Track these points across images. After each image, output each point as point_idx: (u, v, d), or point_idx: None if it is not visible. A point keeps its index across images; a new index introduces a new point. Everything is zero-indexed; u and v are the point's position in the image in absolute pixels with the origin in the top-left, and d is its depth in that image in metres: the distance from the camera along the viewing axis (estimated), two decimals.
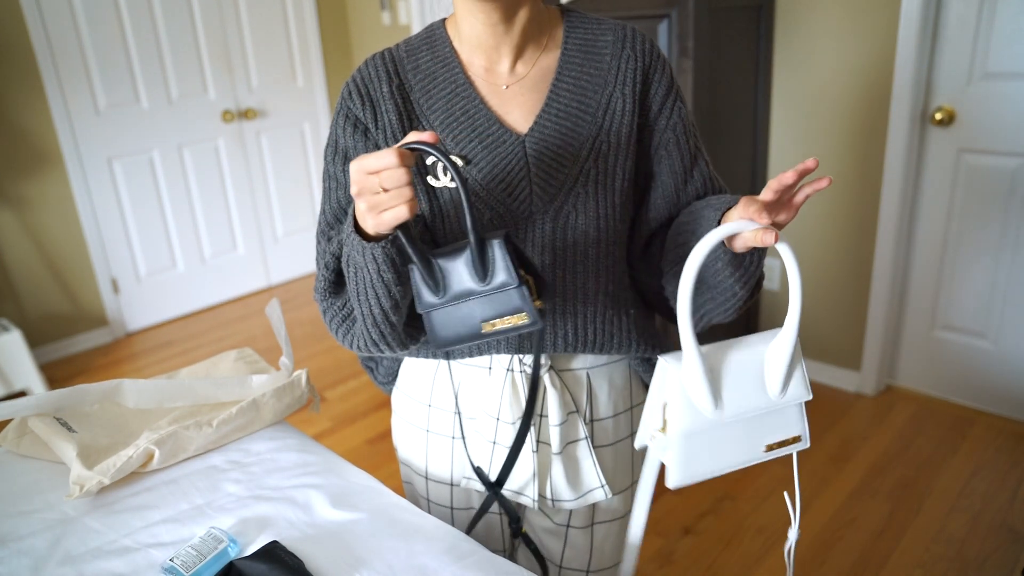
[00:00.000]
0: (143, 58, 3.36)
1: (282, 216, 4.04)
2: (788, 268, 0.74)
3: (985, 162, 2.30)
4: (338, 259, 0.87)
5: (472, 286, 0.76)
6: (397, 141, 0.89)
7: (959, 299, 2.47)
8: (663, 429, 0.77)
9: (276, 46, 3.83)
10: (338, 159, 0.92)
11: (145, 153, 3.45)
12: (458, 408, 0.99)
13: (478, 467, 0.98)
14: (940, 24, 2.27)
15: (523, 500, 0.97)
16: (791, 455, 0.81)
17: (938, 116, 2.33)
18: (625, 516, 1.06)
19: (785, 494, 0.84)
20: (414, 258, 0.76)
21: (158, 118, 3.46)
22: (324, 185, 0.94)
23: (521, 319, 0.76)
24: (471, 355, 0.94)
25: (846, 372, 2.71)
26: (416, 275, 0.78)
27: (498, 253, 0.75)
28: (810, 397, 0.78)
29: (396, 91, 0.90)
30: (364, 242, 0.76)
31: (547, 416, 0.94)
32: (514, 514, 0.98)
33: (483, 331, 0.78)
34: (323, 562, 0.86)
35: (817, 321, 2.75)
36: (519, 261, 0.78)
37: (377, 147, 0.90)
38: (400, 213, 0.71)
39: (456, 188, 0.87)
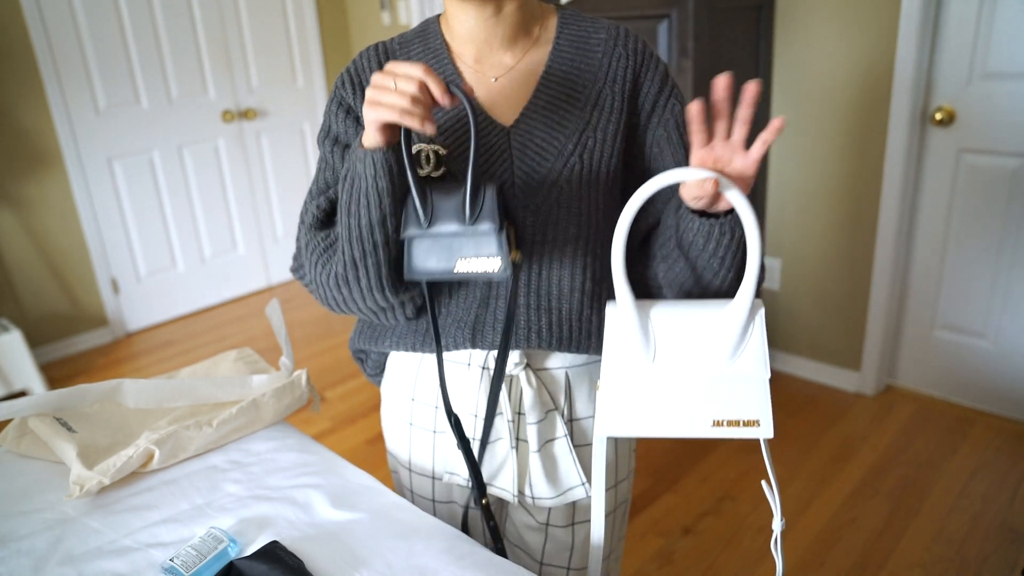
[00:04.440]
0: (143, 58, 3.36)
1: (282, 216, 4.04)
2: (743, 217, 0.69)
3: (985, 162, 2.30)
4: (332, 201, 0.90)
5: (457, 224, 0.79)
6: None
7: (959, 299, 2.47)
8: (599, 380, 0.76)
9: (276, 46, 3.83)
10: (328, 143, 0.93)
11: (145, 153, 3.45)
12: (439, 403, 0.99)
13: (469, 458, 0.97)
14: (940, 24, 2.27)
15: (504, 496, 0.97)
16: (759, 443, 0.79)
17: (938, 116, 2.33)
18: (608, 515, 1.06)
19: (763, 483, 0.79)
20: (411, 181, 0.79)
21: (158, 118, 3.46)
22: (317, 168, 0.96)
23: (492, 264, 0.80)
24: (457, 348, 0.94)
25: (846, 372, 2.71)
26: (409, 201, 0.81)
27: (489, 198, 0.79)
28: (767, 375, 0.72)
29: None
30: (367, 149, 0.78)
31: (524, 414, 0.94)
32: (490, 517, 0.98)
33: (456, 269, 0.81)
34: (323, 562, 0.86)
35: (817, 321, 2.75)
36: (506, 213, 0.81)
37: None
38: (390, 113, 0.73)
39: (437, 177, 0.89)
